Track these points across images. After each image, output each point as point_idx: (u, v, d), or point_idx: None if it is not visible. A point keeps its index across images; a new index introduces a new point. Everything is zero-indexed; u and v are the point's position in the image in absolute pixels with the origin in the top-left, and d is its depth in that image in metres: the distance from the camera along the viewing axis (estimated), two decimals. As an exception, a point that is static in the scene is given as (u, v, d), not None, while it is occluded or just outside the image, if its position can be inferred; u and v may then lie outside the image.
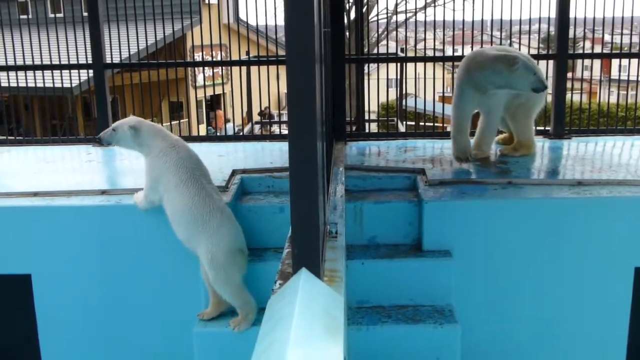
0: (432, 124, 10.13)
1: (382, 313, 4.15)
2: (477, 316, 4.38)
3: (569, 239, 4.40)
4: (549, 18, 6.68)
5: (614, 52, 7.03)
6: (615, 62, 7.01)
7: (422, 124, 8.27)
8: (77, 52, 6.79)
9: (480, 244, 4.39)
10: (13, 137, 7.11)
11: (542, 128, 6.68)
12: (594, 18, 6.55)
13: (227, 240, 3.95)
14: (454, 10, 7.99)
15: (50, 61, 6.90)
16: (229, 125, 13.23)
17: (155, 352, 4.56)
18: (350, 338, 3.87)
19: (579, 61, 7.23)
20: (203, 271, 4.10)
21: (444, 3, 14.79)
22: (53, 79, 7.00)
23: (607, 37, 7.04)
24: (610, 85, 8.22)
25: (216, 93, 16.14)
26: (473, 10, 6.54)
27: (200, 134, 12.16)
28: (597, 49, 7.42)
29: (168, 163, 4.02)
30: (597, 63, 7.12)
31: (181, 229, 4.03)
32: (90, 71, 6.77)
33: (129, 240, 4.48)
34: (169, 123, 12.83)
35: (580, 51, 7.60)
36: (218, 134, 9.70)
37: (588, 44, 8.35)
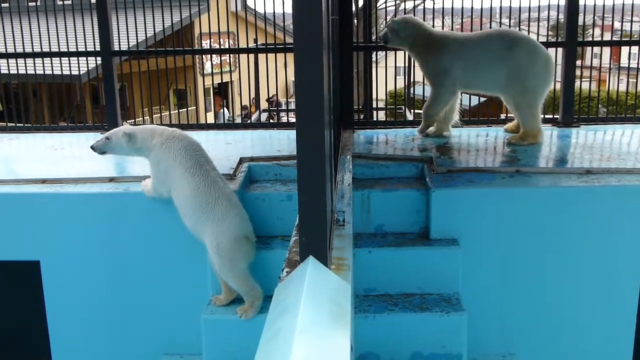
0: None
1: (389, 301, 4.16)
2: (484, 305, 4.38)
3: (577, 228, 4.39)
4: (558, 5, 6.63)
5: (623, 39, 6.98)
6: (625, 49, 6.96)
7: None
8: (85, 40, 6.80)
9: (488, 233, 4.38)
10: (22, 124, 7.14)
11: (551, 116, 6.65)
12: (604, 5, 6.50)
13: (233, 228, 3.96)
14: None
15: (59, 48, 6.90)
16: (225, 112, 13.23)
17: (163, 339, 4.58)
18: (357, 326, 3.88)
19: (589, 49, 7.18)
20: (211, 258, 4.12)
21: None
22: (61, 66, 7.01)
23: (617, 25, 6.98)
24: (619, 73, 8.16)
25: (224, 81, 16.13)
26: (482, -3, 6.50)
27: (208, 121, 12.16)
28: (607, 37, 7.36)
29: (173, 153, 4.04)
30: (606, 50, 7.05)
31: (187, 217, 4.05)
32: (98, 58, 6.77)
33: (136, 228, 4.50)
34: (176, 111, 12.84)
35: (590, 38, 7.53)
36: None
37: (597, 32, 8.29)
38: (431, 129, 5.87)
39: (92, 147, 4.22)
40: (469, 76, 5.55)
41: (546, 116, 6.75)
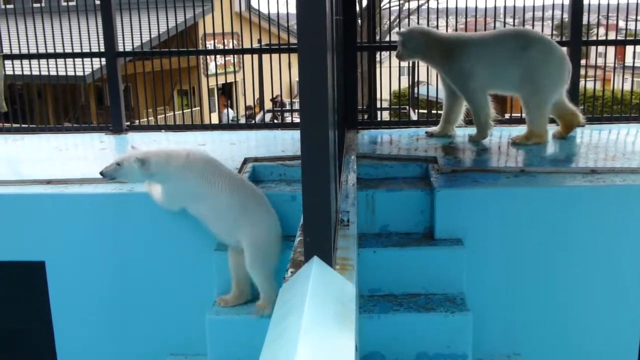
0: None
1: (394, 301, 4.15)
2: (489, 305, 4.37)
3: (581, 227, 4.38)
4: (562, 4, 6.62)
5: (628, 38, 6.96)
6: (629, 48, 6.94)
7: (434, 112, 8.23)
8: (89, 41, 6.81)
9: (493, 233, 4.37)
10: (26, 125, 7.15)
11: (552, 117, 6.62)
12: (608, 4, 6.48)
13: (270, 226, 4.03)
14: (466, -3, 7.92)
15: (63, 49, 6.92)
16: (229, 112, 13.25)
17: (168, 339, 4.59)
18: (362, 326, 3.88)
19: (593, 48, 7.15)
20: (232, 260, 4.11)
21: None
22: (66, 67, 7.04)
23: (622, 24, 6.98)
24: (624, 72, 8.13)
25: (228, 81, 16.14)
26: (486, -4, 6.49)
27: (213, 122, 12.16)
28: (612, 36, 7.35)
29: (196, 174, 3.98)
30: (611, 50, 7.04)
31: (222, 225, 4.03)
32: (103, 59, 6.79)
33: (141, 228, 4.51)
34: (180, 111, 12.85)
35: (594, 38, 7.52)
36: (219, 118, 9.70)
37: (602, 31, 8.27)
38: (435, 128, 5.87)
39: (102, 174, 4.01)
40: (487, 76, 5.49)
41: (551, 116, 6.74)
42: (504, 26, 7.39)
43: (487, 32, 6.01)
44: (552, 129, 5.98)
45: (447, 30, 7.48)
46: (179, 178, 4.01)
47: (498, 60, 5.45)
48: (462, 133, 5.96)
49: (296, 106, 11.85)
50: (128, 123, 7.10)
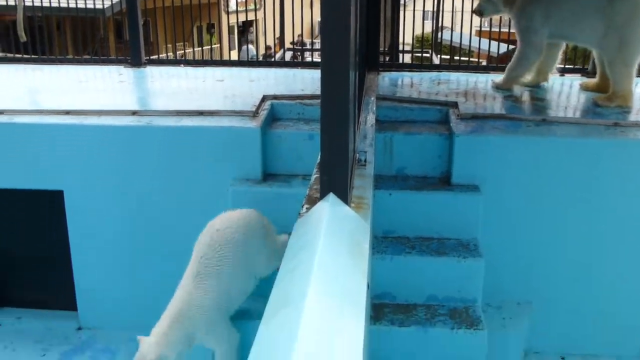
0: (467, 59, 9.91)
1: (407, 244, 4.17)
2: (503, 252, 4.38)
3: (601, 181, 4.32)
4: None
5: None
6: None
7: (456, 58, 8.09)
8: (110, -29, 6.73)
9: (510, 181, 4.34)
10: (46, 56, 7.13)
11: (580, 67, 6.51)
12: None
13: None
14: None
15: (83, -20, 6.84)
16: (250, 48, 13.12)
17: (181, 270, 4.65)
18: (374, 266, 3.91)
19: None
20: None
21: None
22: (85, 0, 6.96)
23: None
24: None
25: (249, 19, 15.95)
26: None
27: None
28: None
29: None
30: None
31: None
32: (123, -8, 6.72)
33: (158, 160, 4.53)
34: (200, 48, 12.74)
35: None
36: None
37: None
38: (527, 77, 5.61)
39: None
40: (564, 26, 5.19)
41: (576, 66, 6.61)
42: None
43: None
44: (582, 79, 5.90)
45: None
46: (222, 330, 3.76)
47: (578, 9, 5.11)
48: (484, 79, 5.88)
49: (317, 46, 11.70)
50: (147, 57, 7.05)
